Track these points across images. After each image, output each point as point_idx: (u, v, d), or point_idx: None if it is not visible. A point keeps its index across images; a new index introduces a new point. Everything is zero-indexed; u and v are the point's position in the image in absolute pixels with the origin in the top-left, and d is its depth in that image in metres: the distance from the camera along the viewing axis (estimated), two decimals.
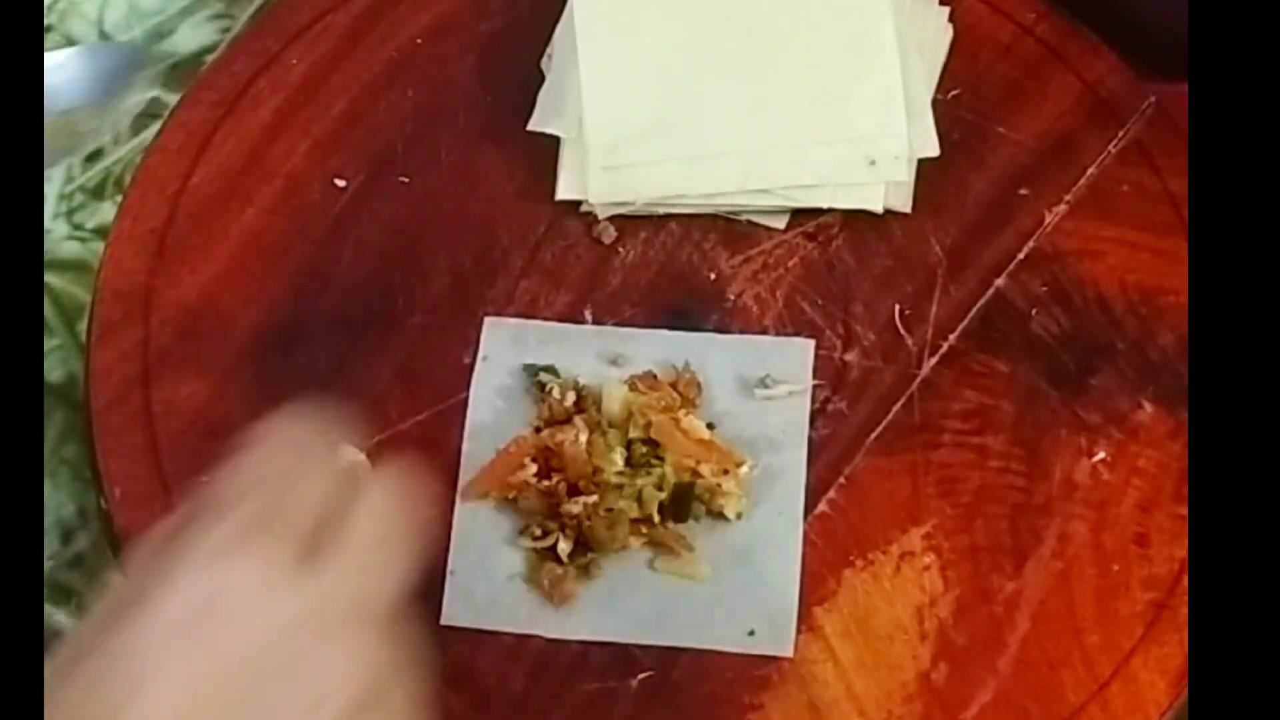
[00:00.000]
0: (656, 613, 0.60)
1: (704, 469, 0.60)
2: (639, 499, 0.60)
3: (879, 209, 0.67)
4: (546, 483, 0.60)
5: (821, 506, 0.62)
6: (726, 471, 0.60)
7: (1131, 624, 0.60)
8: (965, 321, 0.66)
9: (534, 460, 0.61)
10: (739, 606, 0.60)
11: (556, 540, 0.60)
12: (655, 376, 0.63)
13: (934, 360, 0.65)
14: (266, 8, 0.78)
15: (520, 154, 0.69)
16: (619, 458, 0.61)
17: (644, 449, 0.61)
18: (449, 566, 0.60)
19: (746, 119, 0.68)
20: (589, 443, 0.60)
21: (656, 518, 0.60)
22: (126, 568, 0.47)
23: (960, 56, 0.71)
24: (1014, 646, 0.59)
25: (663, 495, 0.60)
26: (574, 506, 0.59)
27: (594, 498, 0.60)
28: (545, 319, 0.66)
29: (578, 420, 0.61)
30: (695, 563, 0.60)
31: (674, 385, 0.62)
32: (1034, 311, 0.66)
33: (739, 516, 0.61)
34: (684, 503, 0.60)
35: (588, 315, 0.66)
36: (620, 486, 0.60)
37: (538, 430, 0.62)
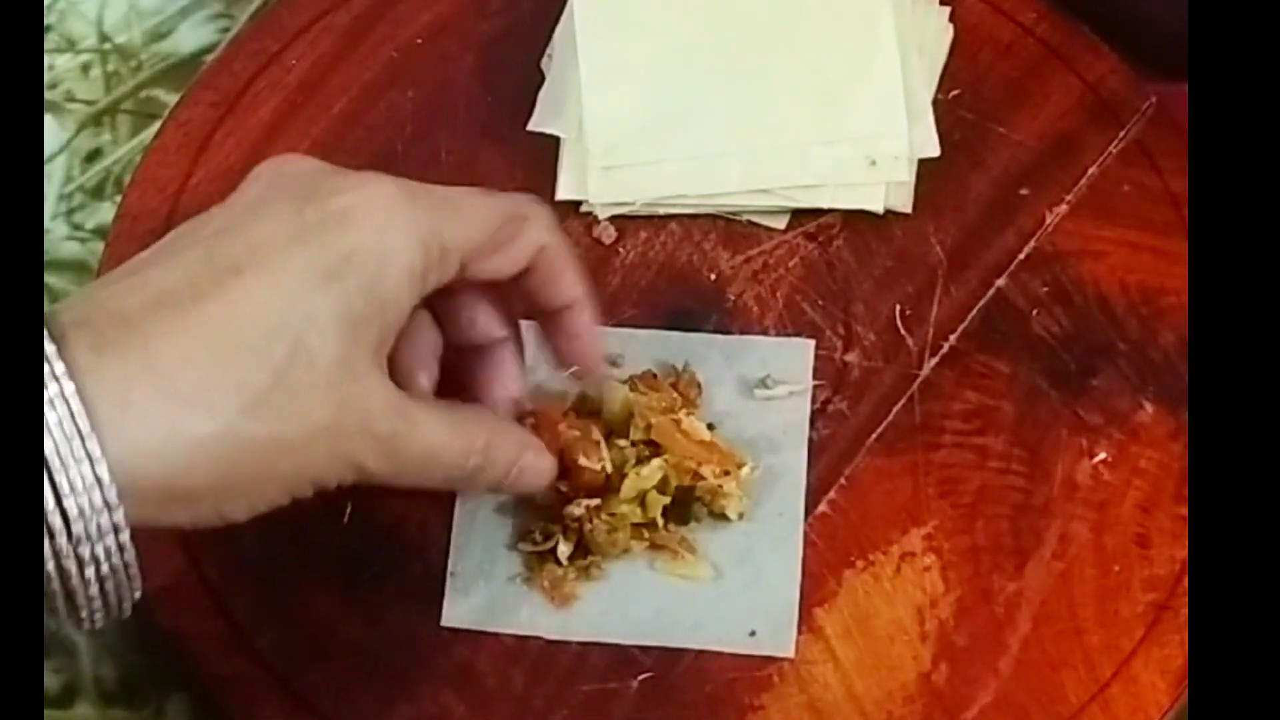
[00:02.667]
0: (657, 614, 0.60)
1: (705, 470, 0.60)
2: (642, 504, 0.60)
3: (879, 209, 0.67)
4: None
5: (822, 507, 0.62)
6: (727, 473, 0.60)
7: (1132, 625, 0.59)
8: (966, 322, 0.65)
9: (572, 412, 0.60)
10: (739, 607, 0.60)
11: (557, 543, 0.60)
12: (655, 376, 0.63)
13: (935, 361, 0.65)
14: (266, 8, 0.78)
15: (520, 154, 0.69)
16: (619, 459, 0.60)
17: (645, 450, 0.61)
18: (449, 568, 0.60)
19: (746, 119, 0.68)
20: None
21: (660, 522, 0.60)
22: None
23: (960, 56, 0.71)
24: (1015, 647, 0.59)
25: (665, 500, 0.60)
26: (575, 509, 0.59)
27: (596, 500, 0.59)
28: None
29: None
30: (696, 563, 0.60)
31: (674, 386, 0.62)
32: (1035, 312, 0.66)
33: (740, 517, 0.61)
34: (686, 505, 0.60)
35: None
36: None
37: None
